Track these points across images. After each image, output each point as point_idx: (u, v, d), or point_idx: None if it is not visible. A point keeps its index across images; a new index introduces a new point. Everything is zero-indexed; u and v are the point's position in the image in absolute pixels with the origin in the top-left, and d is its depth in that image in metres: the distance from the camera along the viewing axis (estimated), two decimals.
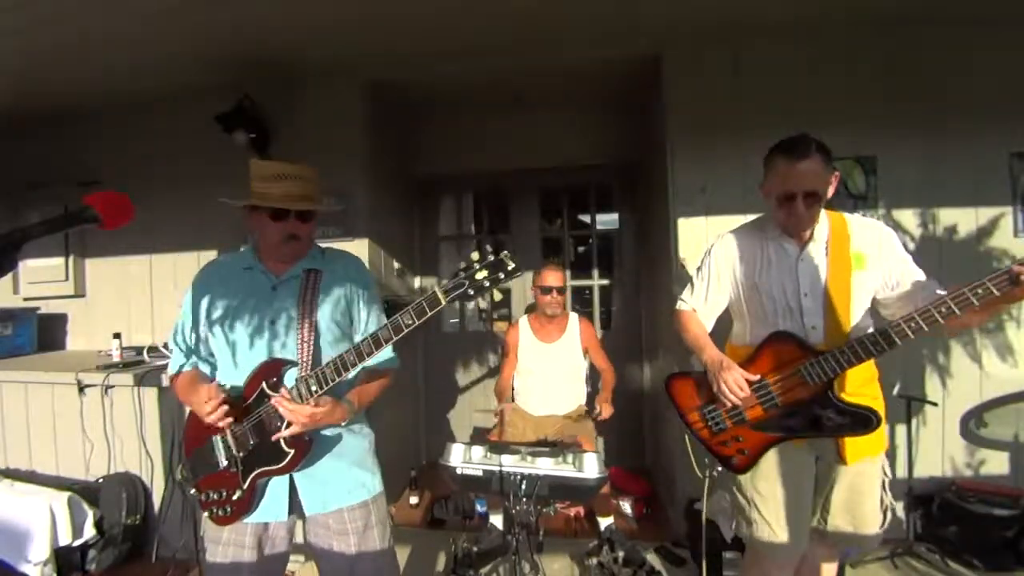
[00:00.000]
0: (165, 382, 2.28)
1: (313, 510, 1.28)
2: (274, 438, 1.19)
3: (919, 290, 1.29)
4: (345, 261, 1.41)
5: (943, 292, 1.19)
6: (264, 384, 1.20)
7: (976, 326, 1.24)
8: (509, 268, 1.03)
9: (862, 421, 1.28)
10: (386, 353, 1.32)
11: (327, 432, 1.29)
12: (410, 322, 1.08)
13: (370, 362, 1.19)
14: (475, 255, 1.04)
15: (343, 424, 1.31)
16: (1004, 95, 2.24)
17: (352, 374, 1.18)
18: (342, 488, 1.30)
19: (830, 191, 1.35)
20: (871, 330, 1.29)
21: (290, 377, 1.22)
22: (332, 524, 1.30)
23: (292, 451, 1.19)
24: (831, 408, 1.29)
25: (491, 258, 1.04)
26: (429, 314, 1.07)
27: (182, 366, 1.35)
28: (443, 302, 1.05)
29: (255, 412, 1.22)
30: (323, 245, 1.41)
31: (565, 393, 2.59)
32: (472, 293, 1.04)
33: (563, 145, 3.26)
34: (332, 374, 1.15)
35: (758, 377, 1.36)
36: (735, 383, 1.34)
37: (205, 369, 1.35)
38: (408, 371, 3.44)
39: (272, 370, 1.21)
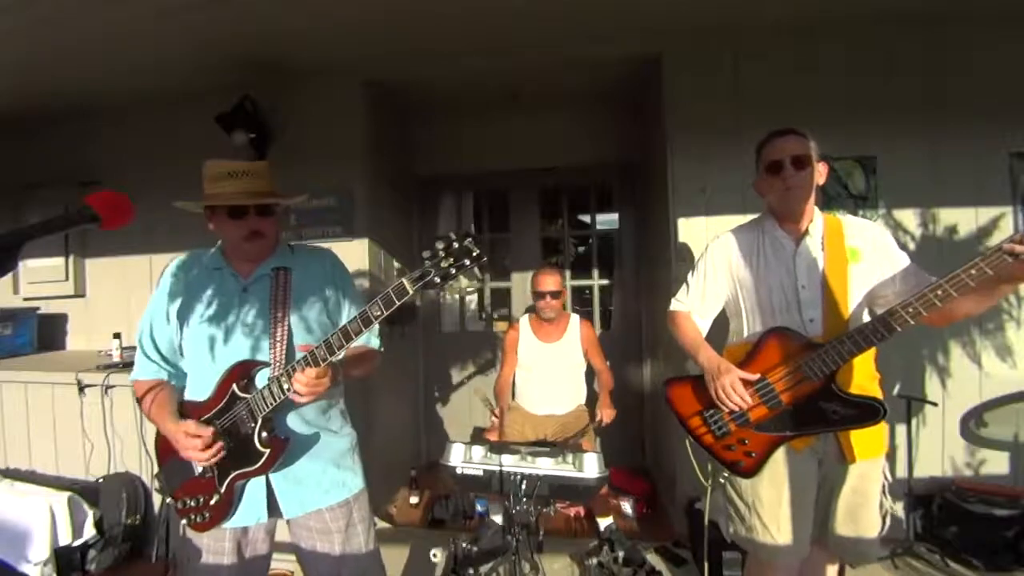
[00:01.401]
0: None
1: (291, 512, 1.27)
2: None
3: (916, 281, 1.29)
4: (319, 258, 1.38)
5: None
6: (235, 386, 1.19)
7: (976, 313, 1.22)
8: (474, 254, 1.01)
9: (870, 411, 1.26)
10: (367, 339, 1.33)
11: (305, 432, 1.28)
12: (378, 313, 1.07)
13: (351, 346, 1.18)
14: (440, 244, 1.04)
15: (324, 421, 1.32)
16: (1004, 95, 2.24)
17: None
18: (319, 488, 1.29)
19: (820, 178, 1.38)
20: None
21: (262, 377, 1.21)
22: (314, 524, 1.29)
23: (268, 450, 1.18)
24: (836, 401, 1.27)
25: (455, 245, 1.02)
26: (397, 304, 1.05)
27: (137, 364, 1.29)
28: (410, 291, 1.03)
29: (227, 415, 1.20)
30: (292, 243, 1.39)
31: (565, 393, 2.59)
32: (439, 281, 1.02)
33: (563, 145, 3.26)
34: (303, 367, 1.14)
35: (757, 376, 1.34)
36: (733, 387, 1.32)
37: (168, 378, 1.30)
38: (408, 371, 3.44)
39: (243, 372, 1.20)
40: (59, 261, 3.08)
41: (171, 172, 2.88)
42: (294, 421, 1.27)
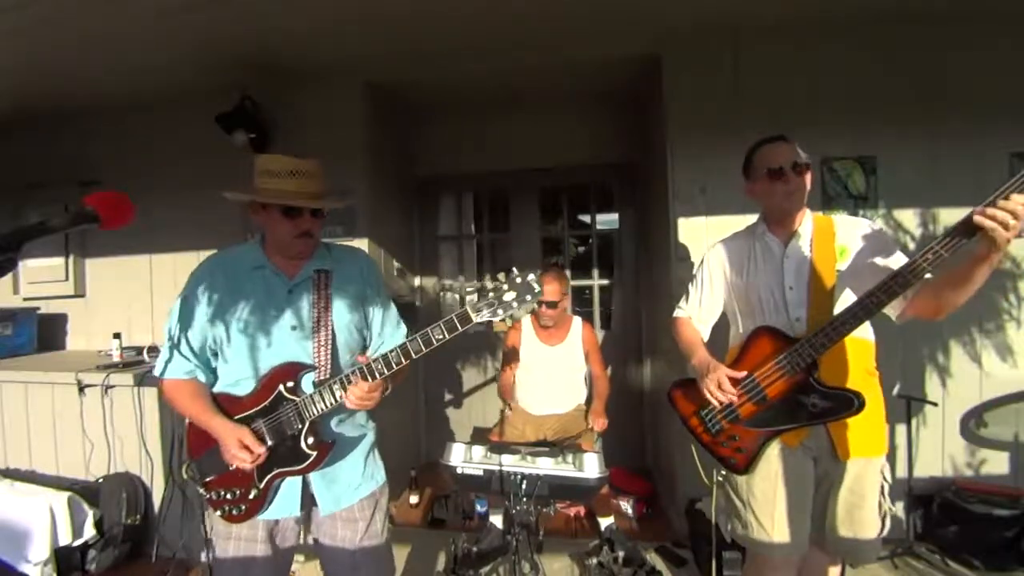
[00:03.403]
0: None
1: (328, 509, 1.30)
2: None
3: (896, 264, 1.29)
4: (355, 259, 1.41)
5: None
6: (282, 387, 1.21)
7: (959, 301, 1.19)
8: (535, 291, 1.09)
9: (845, 403, 1.29)
10: (397, 337, 1.38)
11: (342, 433, 1.32)
12: (441, 336, 1.12)
13: (379, 344, 1.29)
14: (502, 275, 1.15)
15: (357, 419, 1.37)
16: (1004, 95, 2.24)
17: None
18: (353, 484, 1.33)
19: (808, 184, 1.41)
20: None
21: (305, 380, 1.23)
22: (340, 513, 1.32)
23: (315, 453, 1.20)
24: (815, 393, 1.31)
25: (518, 280, 1.09)
26: (460, 330, 1.12)
27: (169, 363, 1.25)
28: (474, 320, 1.10)
29: (273, 415, 1.22)
30: (325, 241, 1.40)
31: (565, 394, 2.59)
32: (501, 313, 1.10)
33: (563, 145, 3.26)
34: (358, 380, 1.17)
35: (744, 374, 1.38)
36: (720, 384, 1.37)
37: (201, 376, 1.28)
38: (408, 371, 3.44)
39: (289, 373, 1.22)
40: (59, 261, 3.08)
41: (171, 172, 2.90)
42: (333, 422, 1.31)
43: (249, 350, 1.24)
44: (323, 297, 1.27)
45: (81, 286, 3.14)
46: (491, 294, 1.10)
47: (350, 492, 1.32)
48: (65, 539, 2.21)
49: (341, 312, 1.30)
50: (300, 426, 1.20)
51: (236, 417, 1.24)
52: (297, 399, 1.20)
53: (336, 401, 1.18)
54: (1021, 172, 1.04)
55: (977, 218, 1.04)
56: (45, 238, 0.61)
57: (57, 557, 2.20)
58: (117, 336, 2.68)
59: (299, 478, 1.26)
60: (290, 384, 1.21)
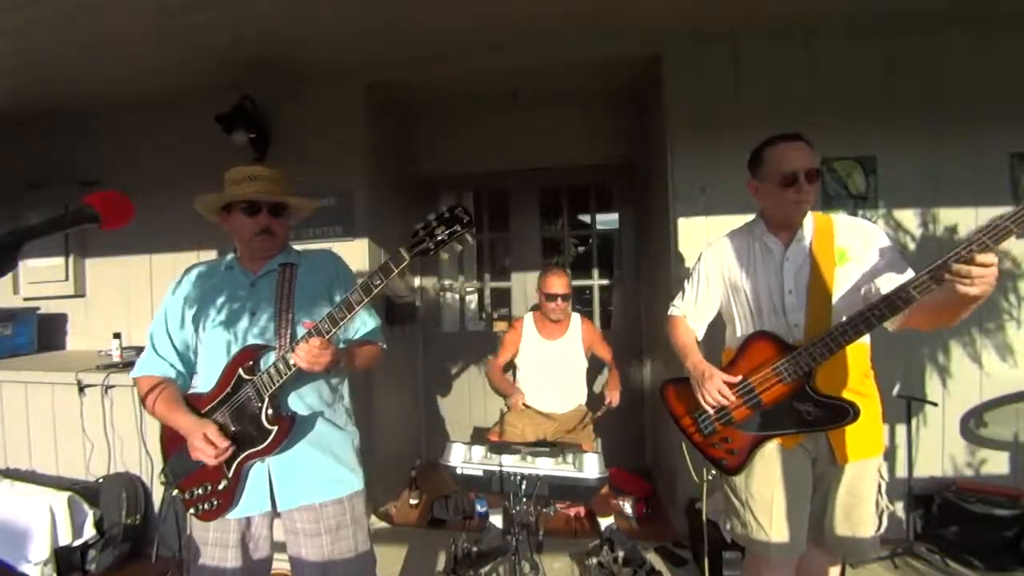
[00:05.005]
0: None
1: (286, 504, 1.28)
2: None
3: (894, 283, 1.26)
4: (322, 255, 1.46)
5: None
6: (241, 370, 1.23)
7: (951, 323, 1.20)
8: (465, 221, 1.10)
9: (840, 413, 1.29)
10: (368, 325, 1.39)
11: (309, 418, 1.31)
12: (378, 282, 1.14)
13: (352, 335, 1.30)
14: (432, 215, 1.14)
15: (330, 413, 1.36)
16: (1004, 95, 2.24)
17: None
18: (316, 481, 1.30)
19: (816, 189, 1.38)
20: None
21: (267, 361, 1.25)
22: (302, 527, 1.29)
23: (275, 428, 1.21)
24: (809, 402, 1.31)
25: (447, 215, 1.11)
26: (395, 271, 1.12)
27: (143, 362, 1.33)
28: (407, 258, 1.12)
29: (234, 398, 1.24)
30: (297, 248, 1.46)
31: (565, 391, 2.60)
32: (433, 248, 1.11)
33: (563, 145, 3.26)
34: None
35: (740, 378, 1.38)
36: (717, 391, 1.37)
37: (177, 378, 1.33)
38: (408, 371, 3.44)
39: (249, 355, 1.24)
40: (59, 261, 3.08)
41: (171, 172, 2.89)
42: (299, 407, 1.30)
43: (219, 347, 1.28)
44: (286, 285, 1.32)
45: (81, 286, 3.14)
46: (421, 232, 1.11)
47: (313, 489, 1.29)
48: (65, 539, 2.21)
49: (304, 301, 1.33)
50: (260, 403, 1.21)
51: (203, 410, 1.26)
52: (255, 377, 1.22)
53: (290, 369, 1.18)
54: (971, 234, 1.05)
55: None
56: (45, 238, 0.62)
57: (57, 557, 2.20)
58: (117, 336, 2.68)
59: (265, 469, 1.27)
60: (249, 364, 1.23)
